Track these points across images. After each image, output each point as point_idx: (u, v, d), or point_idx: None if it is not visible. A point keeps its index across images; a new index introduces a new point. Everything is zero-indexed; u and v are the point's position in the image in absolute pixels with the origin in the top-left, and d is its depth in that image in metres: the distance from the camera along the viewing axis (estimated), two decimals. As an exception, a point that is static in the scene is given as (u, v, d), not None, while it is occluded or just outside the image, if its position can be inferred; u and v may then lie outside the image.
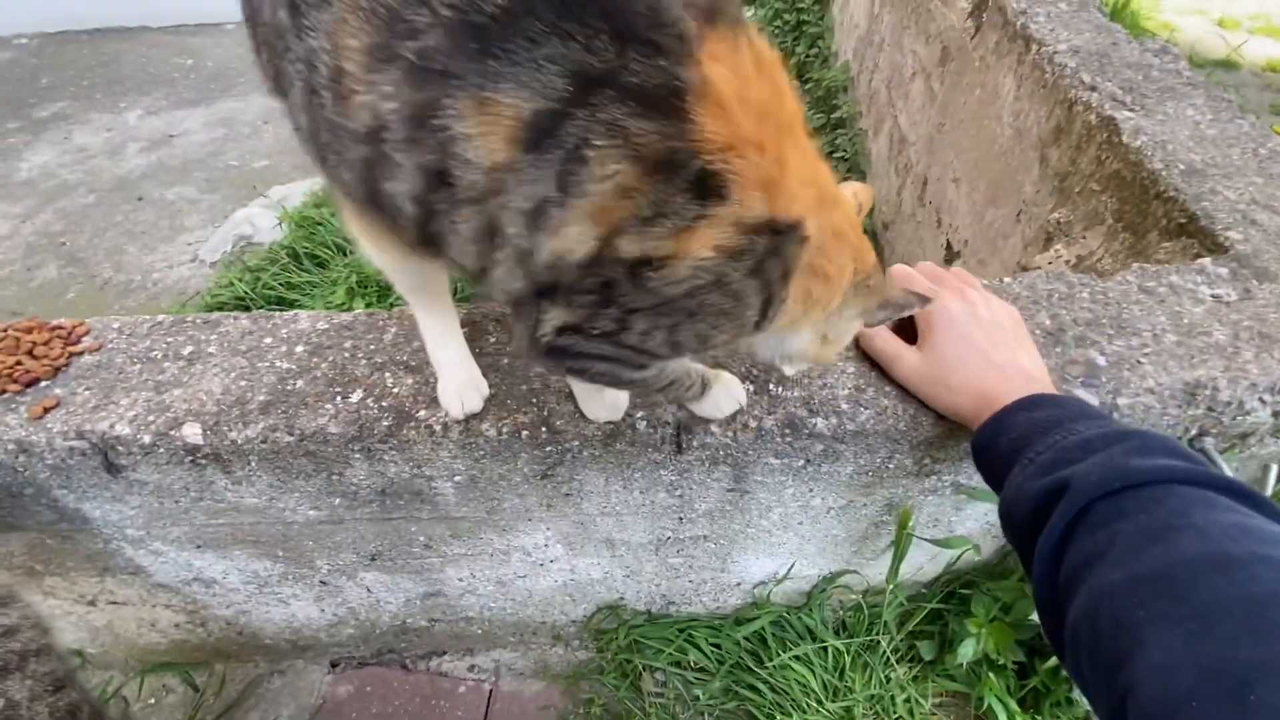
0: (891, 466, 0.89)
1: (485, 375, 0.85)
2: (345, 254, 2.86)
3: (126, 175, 3.55)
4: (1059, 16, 1.59)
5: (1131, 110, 1.25)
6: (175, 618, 1.17)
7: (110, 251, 3.11)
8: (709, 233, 0.43)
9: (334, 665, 1.34)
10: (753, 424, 0.82)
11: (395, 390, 0.84)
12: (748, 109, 0.42)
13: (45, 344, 0.89)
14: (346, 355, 0.89)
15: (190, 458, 0.82)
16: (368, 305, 2.60)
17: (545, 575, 1.11)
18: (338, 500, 0.91)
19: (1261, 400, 0.84)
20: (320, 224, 3.00)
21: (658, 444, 0.83)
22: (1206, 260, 0.98)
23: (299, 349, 0.90)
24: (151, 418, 0.81)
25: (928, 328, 0.79)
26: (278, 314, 0.95)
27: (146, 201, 3.36)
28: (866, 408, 0.82)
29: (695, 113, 0.40)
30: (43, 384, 0.86)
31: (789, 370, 0.74)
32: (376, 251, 0.65)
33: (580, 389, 0.79)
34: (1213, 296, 0.93)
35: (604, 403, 0.78)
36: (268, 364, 0.88)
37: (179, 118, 4.02)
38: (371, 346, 0.90)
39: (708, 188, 0.42)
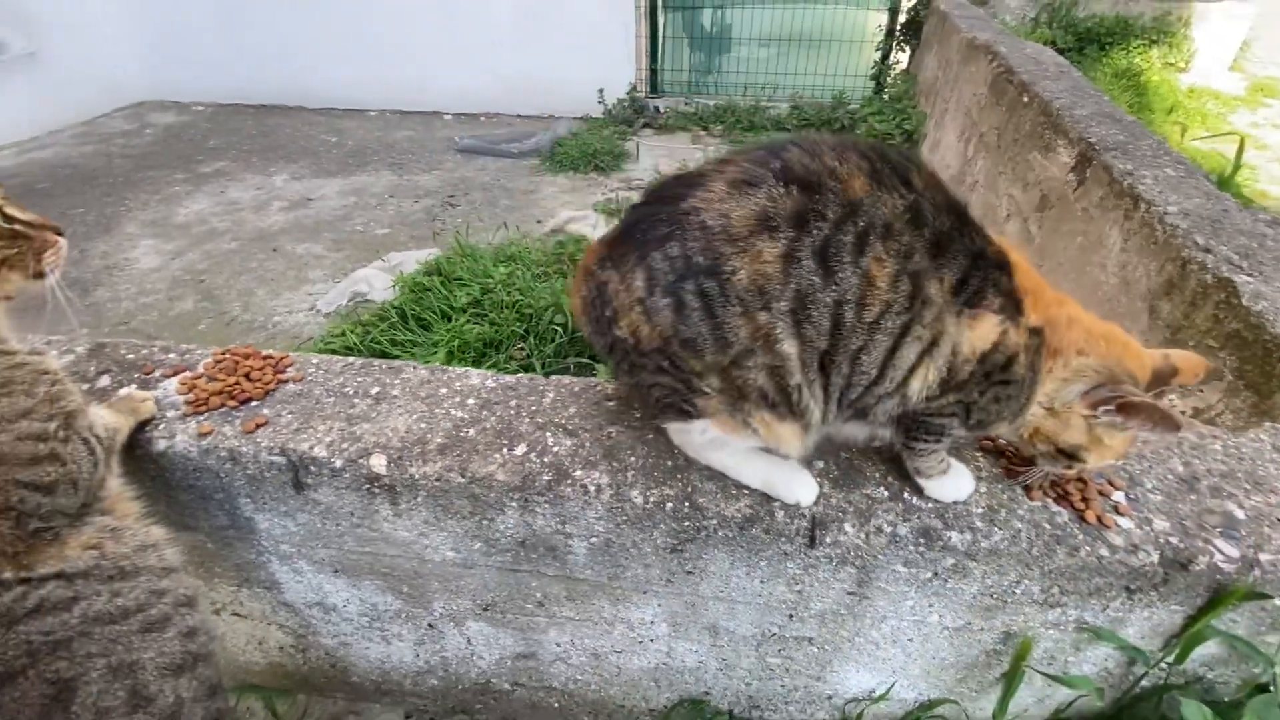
0: (1018, 592, 0.90)
1: (634, 446, 0.93)
2: (448, 320, 3.09)
3: (266, 229, 4.00)
4: (1167, 180, 1.68)
5: (1250, 275, 1.30)
6: (284, 639, 1.22)
7: (241, 293, 3.45)
8: (1021, 333, 0.75)
9: (407, 717, 1.34)
10: (887, 528, 0.85)
11: (555, 449, 0.92)
12: (1024, 270, 0.77)
13: (259, 369, 1.03)
14: (512, 412, 0.99)
15: (368, 485, 0.91)
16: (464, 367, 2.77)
17: (641, 654, 1.12)
18: (478, 545, 0.97)
19: None
20: (429, 290, 3.26)
21: (791, 535, 0.87)
22: (1344, 428, 0.99)
23: (470, 401, 1.01)
24: (345, 445, 0.92)
25: None
26: (452, 369, 1.07)
27: (279, 253, 3.76)
28: (1001, 528, 0.85)
29: (1012, 268, 0.76)
30: (254, 404, 0.99)
31: (1008, 436, 0.87)
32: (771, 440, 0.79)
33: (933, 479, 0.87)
34: (1355, 465, 0.93)
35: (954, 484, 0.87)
36: (444, 411, 0.98)
37: (318, 184, 4.56)
38: (534, 407, 1.00)
39: (1018, 307, 0.76)
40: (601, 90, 5.47)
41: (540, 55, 5.50)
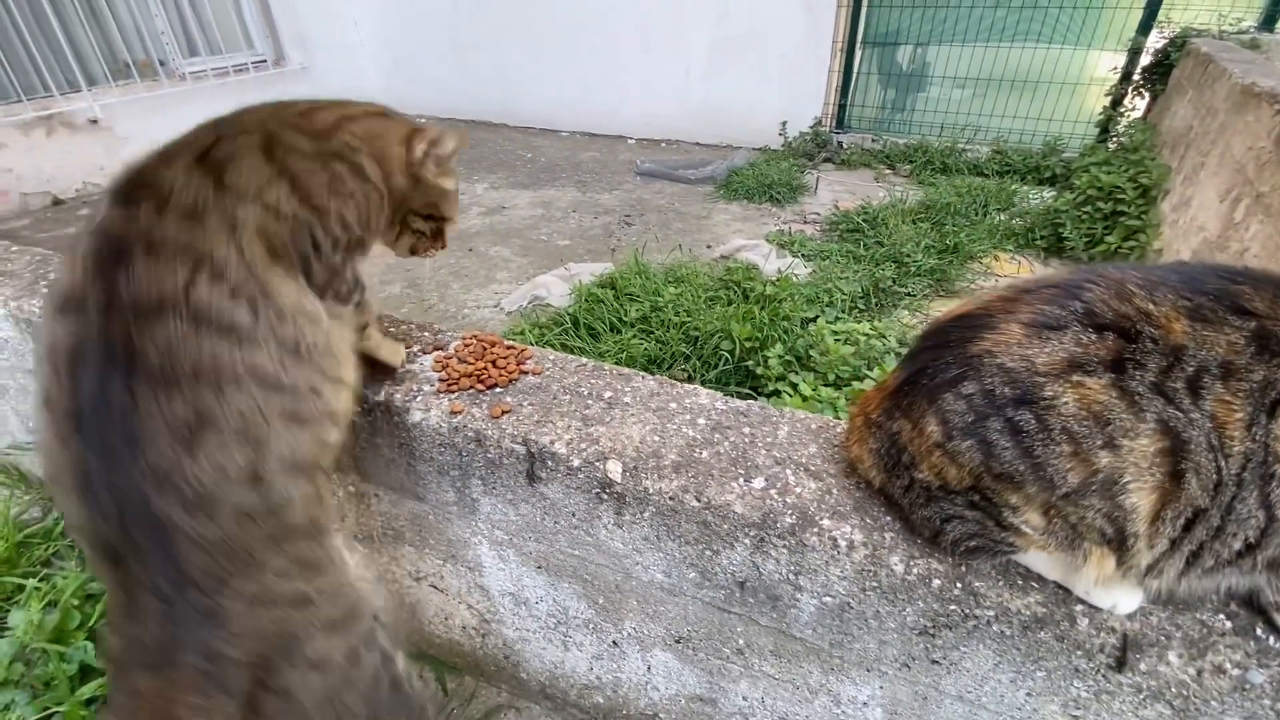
0: None
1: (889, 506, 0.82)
2: (617, 332, 3.16)
3: (465, 230, 4.40)
4: None
5: None
6: (469, 621, 1.26)
7: (439, 285, 3.79)
8: None
9: (563, 727, 1.32)
10: (1232, 670, 0.67)
11: (798, 490, 0.85)
12: None
13: (504, 358, 1.07)
14: (746, 440, 0.93)
15: (599, 490, 0.90)
16: (628, 381, 2.80)
17: (838, 734, 1.00)
18: (692, 574, 0.92)
19: None
20: (601, 302, 3.36)
21: (1091, 651, 0.71)
22: None
23: (701, 421, 0.96)
24: (583, 445, 0.91)
25: None
26: (679, 384, 1.04)
27: (474, 253, 4.10)
28: None
29: None
30: (498, 390, 1.02)
31: None
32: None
33: None
34: None
35: None
36: (675, 427, 0.95)
37: (512, 195, 4.95)
38: (769, 439, 0.93)
39: None
40: (784, 123, 5.42)
41: (728, 86, 5.59)
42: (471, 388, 1.02)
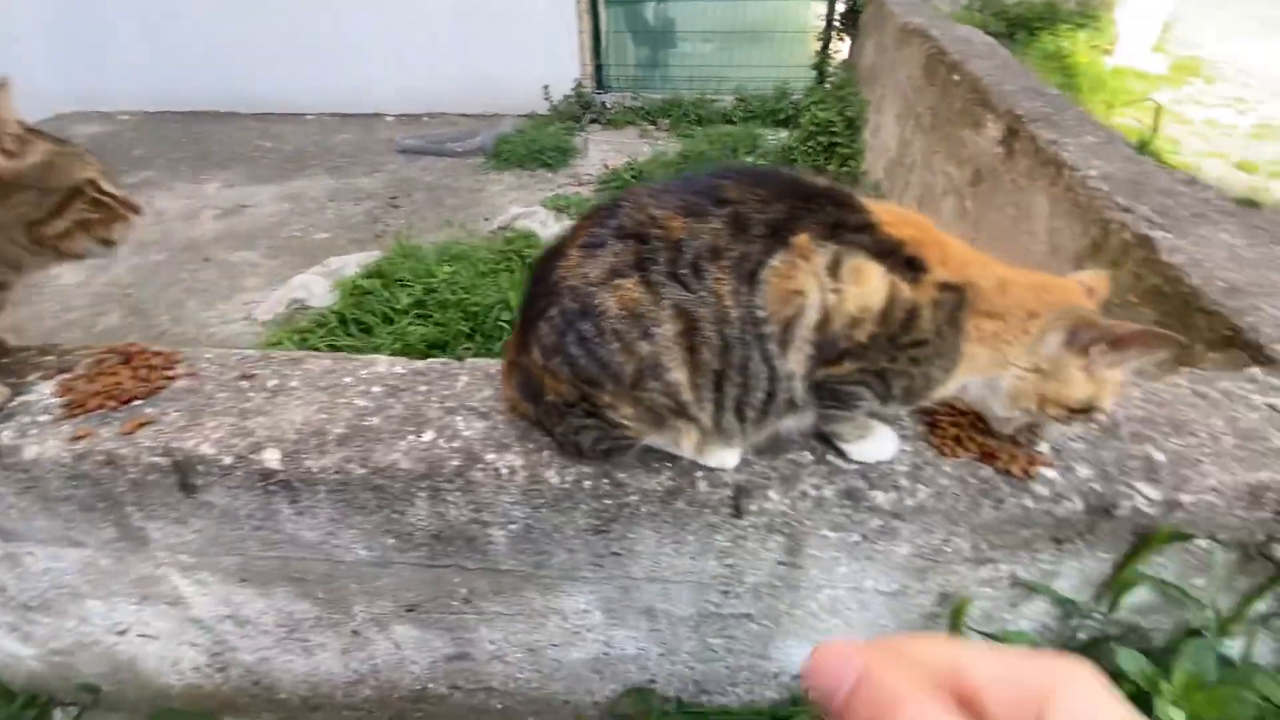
0: (948, 550, 0.88)
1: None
2: (390, 322, 2.99)
3: (198, 238, 3.82)
4: (1089, 146, 1.72)
5: (1167, 231, 1.33)
6: (198, 659, 1.14)
7: (171, 305, 3.28)
8: (926, 288, 0.71)
9: (342, 732, 1.27)
10: (812, 492, 0.83)
11: (465, 433, 0.87)
12: (907, 224, 0.74)
13: (148, 366, 0.95)
14: (420, 398, 0.93)
15: (263, 483, 0.85)
16: (408, 371, 2.68)
17: (579, 645, 1.08)
18: (391, 541, 0.92)
19: (1328, 509, 0.83)
20: (370, 293, 3.14)
21: (716, 506, 0.84)
22: (1257, 370, 1.00)
23: (376, 389, 0.95)
24: (235, 440, 0.85)
25: None
26: (358, 356, 1.01)
27: (212, 263, 3.59)
28: (926, 485, 0.83)
29: (883, 228, 0.72)
30: (137, 403, 0.91)
31: (1007, 414, 0.80)
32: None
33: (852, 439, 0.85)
34: (1268, 405, 0.94)
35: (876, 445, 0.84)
36: (346, 401, 0.92)
37: (252, 191, 4.37)
38: (445, 391, 0.94)
39: (915, 264, 0.72)
40: (547, 87, 5.40)
41: (482, 53, 5.40)
42: (101, 407, 0.89)
